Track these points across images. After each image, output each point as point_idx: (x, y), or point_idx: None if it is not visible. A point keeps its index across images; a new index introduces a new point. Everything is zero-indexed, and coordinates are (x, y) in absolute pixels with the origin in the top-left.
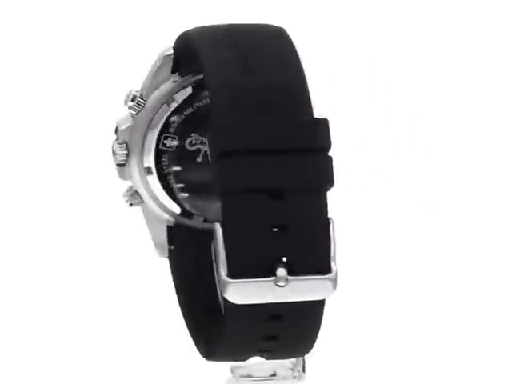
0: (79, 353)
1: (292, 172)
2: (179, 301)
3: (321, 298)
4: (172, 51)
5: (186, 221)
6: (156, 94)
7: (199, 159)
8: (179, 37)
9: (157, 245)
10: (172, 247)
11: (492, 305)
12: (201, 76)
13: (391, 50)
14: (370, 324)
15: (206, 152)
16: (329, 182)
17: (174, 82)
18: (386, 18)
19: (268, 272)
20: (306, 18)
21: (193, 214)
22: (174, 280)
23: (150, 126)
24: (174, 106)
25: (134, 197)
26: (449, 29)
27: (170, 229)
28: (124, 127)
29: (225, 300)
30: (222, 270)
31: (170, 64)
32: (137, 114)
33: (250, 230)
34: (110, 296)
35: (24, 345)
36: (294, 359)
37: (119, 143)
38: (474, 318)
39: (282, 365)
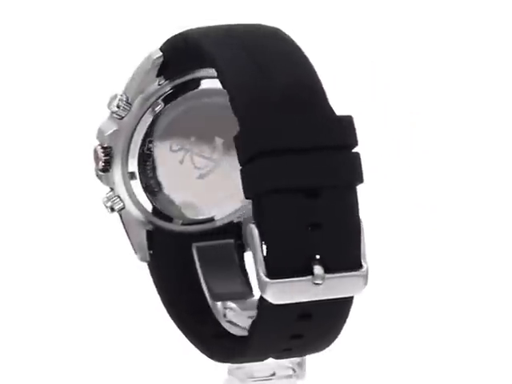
0: (79, 353)
1: (325, 170)
2: (164, 305)
3: (353, 294)
4: (161, 54)
5: (165, 224)
6: (141, 97)
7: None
8: (174, 38)
9: (138, 250)
10: (152, 251)
11: (492, 306)
12: (186, 78)
13: (391, 50)
14: (370, 324)
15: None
16: (359, 178)
17: (159, 85)
18: (386, 18)
19: (305, 271)
20: (305, 18)
21: (172, 218)
22: (156, 284)
23: (135, 131)
24: (158, 109)
25: (115, 202)
26: (448, 29)
27: (150, 233)
28: (109, 132)
29: (261, 300)
30: (261, 271)
31: (157, 68)
32: (121, 118)
33: (287, 229)
34: (110, 297)
35: (15, 347)
36: (298, 359)
37: (103, 148)
38: (473, 319)
39: (281, 365)
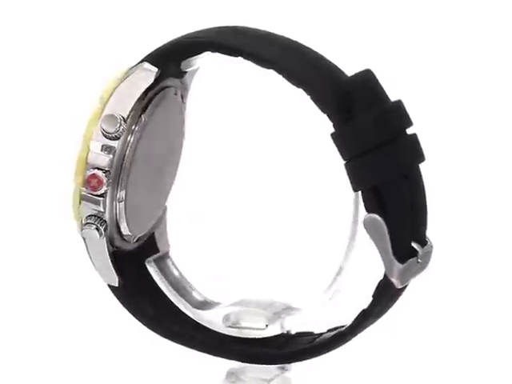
0: (79, 353)
1: (409, 153)
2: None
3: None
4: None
5: (125, 245)
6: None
7: None
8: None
9: (104, 273)
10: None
11: (492, 311)
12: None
13: (391, 49)
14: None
15: None
16: (423, 155)
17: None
18: (386, 18)
19: (414, 252)
20: (304, 18)
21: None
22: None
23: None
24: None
25: (97, 228)
26: (448, 29)
27: (114, 255)
28: (110, 156)
29: (386, 284)
30: (392, 257)
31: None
32: (118, 139)
33: (404, 215)
34: (110, 297)
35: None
36: None
37: (105, 172)
38: (473, 319)
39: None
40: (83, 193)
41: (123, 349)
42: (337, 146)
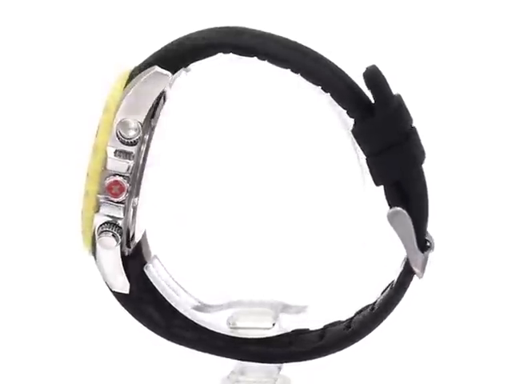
0: (79, 354)
1: (420, 145)
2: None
3: None
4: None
5: (127, 251)
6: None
7: None
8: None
9: (115, 280)
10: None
11: (492, 311)
12: None
13: (391, 50)
14: None
15: None
16: None
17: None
18: (386, 18)
19: (427, 244)
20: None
21: None
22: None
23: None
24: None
25: (113, 234)
26: (448, 29)
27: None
28: (130, 163)
29: (409, 273)
30: (417, 247)
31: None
32: (135, 144)
33: (424, 207)
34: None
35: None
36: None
37: (126, 178)
38: (473, 320)
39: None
40: (102, 200)
41: (123, 349)
42: (358, 141)
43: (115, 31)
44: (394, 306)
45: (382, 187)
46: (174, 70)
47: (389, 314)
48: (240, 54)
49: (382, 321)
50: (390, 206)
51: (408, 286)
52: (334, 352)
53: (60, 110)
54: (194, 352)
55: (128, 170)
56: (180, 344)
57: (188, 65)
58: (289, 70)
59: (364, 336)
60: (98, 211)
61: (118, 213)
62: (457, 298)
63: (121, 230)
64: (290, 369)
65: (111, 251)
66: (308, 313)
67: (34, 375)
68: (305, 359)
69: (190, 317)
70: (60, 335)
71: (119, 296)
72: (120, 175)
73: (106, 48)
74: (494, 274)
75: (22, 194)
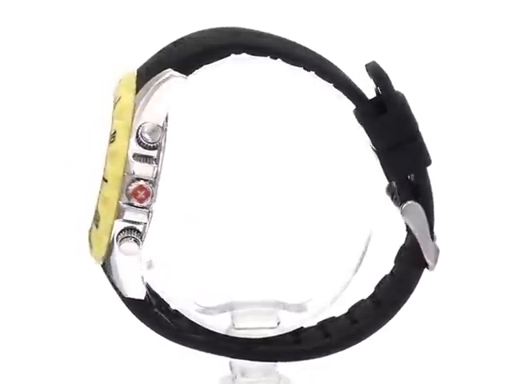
0: (79, 354)
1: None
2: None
3: None
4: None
5: None
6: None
7: None
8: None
9: (133, 286)
10: None
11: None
12: None
13: (390, 50)
14: None
15: None
16: None
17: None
18: (385, 18)
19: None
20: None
21: None
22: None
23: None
24: None
25: (135, 239)
26: (448, 29)
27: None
28: (154, 167)
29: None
30: (432, 240)
31: None
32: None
33: (432, 201)
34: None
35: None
36: None
37: (150, 182)
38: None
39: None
40: (124, 206)
41: (123, 349)
42: (371, 138)
43: (115, 31)
44: (404, 303)
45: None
46: (186, 73)
47: (398, 310)
48: (253, 54)
49: (391, 317)
50: (402, 200)
51: (418, 280)
52: (341, 350)
53: (63, 113)
54: (193, 352)
55: (153, 174)
56: (190, 347)
57: (200, 67)
58: (301, 68)
59: (372, 333)
60: (119, 217)
61: (142, 218)
62: (456, 296)
63: (141, 235)
64: (290, 369)
65: (133, 257)
66: (309, 310)
67: (34, 375)
68: (312, 357)
69: (194, 320)
70: (60, 335)
71: (132, 302)
72: (144, 180)
73: (104, 48)
74: (494, 273)
75: (23, 197)
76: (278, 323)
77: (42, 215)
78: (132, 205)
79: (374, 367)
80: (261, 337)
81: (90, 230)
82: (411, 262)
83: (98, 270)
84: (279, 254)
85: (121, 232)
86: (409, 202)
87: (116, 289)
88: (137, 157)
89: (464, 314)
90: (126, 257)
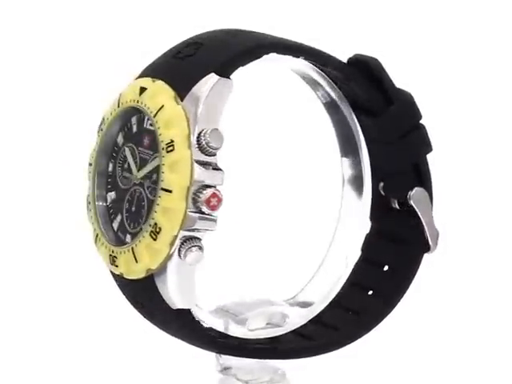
0: (79, 354)
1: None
2: None
3: None
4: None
5: None
6: None
7: None
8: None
9: (188, 297)
10: None
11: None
12: None
13: (390, 50)
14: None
15: None
16: None
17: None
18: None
19: None
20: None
21: None
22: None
23: None
24: None
25: (199, 247)
26: (447, 30)
27: None
28: (222, 173)
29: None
30: (436, 225)
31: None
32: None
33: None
34: (111, 297)
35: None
36: None
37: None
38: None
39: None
40: (192, 215)
41: (123, 349)
42: (379, 129)
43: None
44: (406, 289)
45: None
46: (227, 75)
47: (401, 297)
48: (285, 54)
49: (394, 306)
50: (409, 187)
51: (419, 265)
52: (348, 344)
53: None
54: (193, 352)
55: (222, 180)
56: (224, 353)
57: (238, 68)
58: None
59: (379, 323)
60: (185, 227)
61: (211, 225)
62: (455, 294)
63: (201, 242)
64: (290, 368)
65: (197, 265)
66: (313, 306)
67: (34, 375)
68: (319, 353)
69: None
70: (60, 335)
71: (179, 313)
72: (214, 187)
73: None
74: (494, 272)
75: (24, 197)
76: (285, 321)
77: (42, 215)
78: (203, 213)
79: (374, 367)
80: (268, 336)
81: (134, 244)
82: (412, 248)
83: (105, 273)
84: (278, 254)
85: (185, 242)
86: (417, 188)
87: (159, 302)
88: (202, 164)
89: (464, 314)
90: (190, 266)
